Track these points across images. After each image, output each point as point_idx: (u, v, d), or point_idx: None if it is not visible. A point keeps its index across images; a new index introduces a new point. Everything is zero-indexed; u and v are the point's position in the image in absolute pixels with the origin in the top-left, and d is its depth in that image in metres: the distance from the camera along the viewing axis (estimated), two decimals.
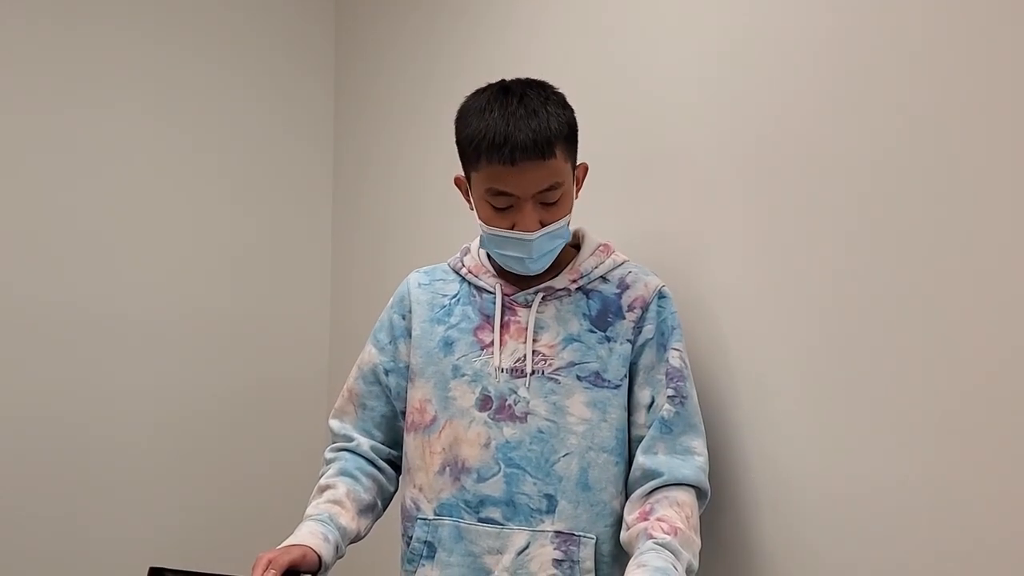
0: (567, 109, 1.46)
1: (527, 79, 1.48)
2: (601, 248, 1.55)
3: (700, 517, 1.43)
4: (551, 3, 1.99)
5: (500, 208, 1.43)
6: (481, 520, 1.46)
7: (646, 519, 1.38)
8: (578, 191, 1.52)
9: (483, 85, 1.49)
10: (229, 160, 2.68)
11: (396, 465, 1.62)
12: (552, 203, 1.43)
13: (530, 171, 1.39)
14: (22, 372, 2.41)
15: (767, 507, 1.47)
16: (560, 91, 1.48)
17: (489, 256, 1.56)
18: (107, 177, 2.52)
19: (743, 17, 1.52)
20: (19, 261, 2.42)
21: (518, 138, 1.37)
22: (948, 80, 1.21)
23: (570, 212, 1.47)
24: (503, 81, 1.47)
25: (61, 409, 2.45)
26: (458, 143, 1.46)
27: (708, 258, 1.58)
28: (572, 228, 1.56)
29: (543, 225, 1.43)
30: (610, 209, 1.76)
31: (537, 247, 1.44)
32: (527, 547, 1.43)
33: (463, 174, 1.49)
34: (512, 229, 1.43)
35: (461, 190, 1.52)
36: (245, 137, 2.71)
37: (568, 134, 1.43)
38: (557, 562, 1.42)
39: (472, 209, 1.49)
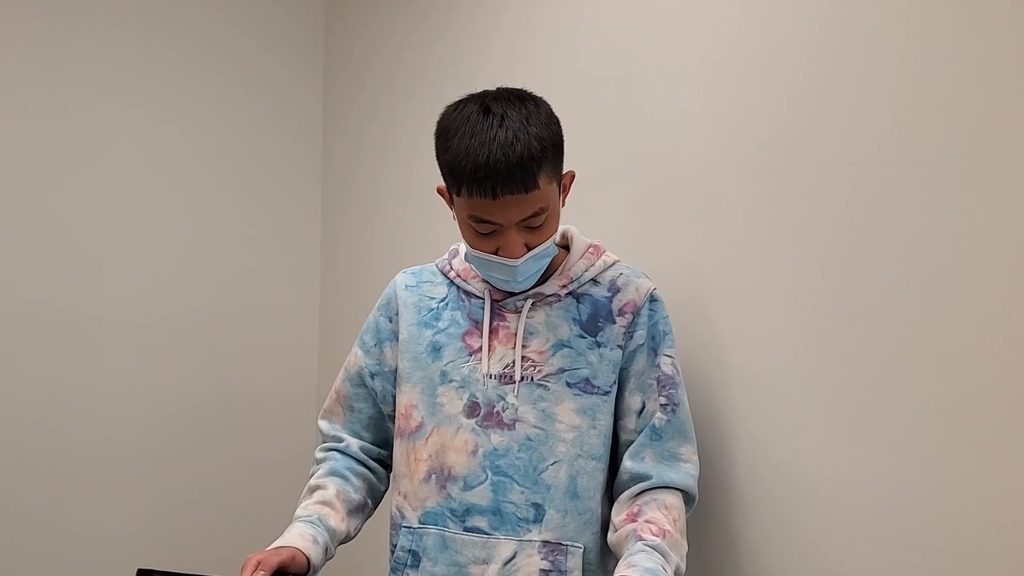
0: (551, 125, 1.38)
1: (508, 92, 1.39)
2: (591, 250, 1.52)
3: (688, 520, 1.43)
4: (539, 7, 1.96)
5: (484, 233, 1.38)
6: (467, 529, 1.43)
7: (634, 520, 1.37)
8: (564, 198, 1.47)
9: (467, 92, 1.42)
10: (217, 161, 2.66)
11: (387, 464, 1.61)
12: (537, 227, 1.38)
13: (512, 204, 1.34)
14: (8, 374, 2.38)
15: (755, 509, 1.47)
16: (545, 103, 1.40)
17: None
18: (91, 178, 2.49)
19: (739, 20, 1.51)
20: (7, 261, 2.39)
21: (500, 171, 1.30)
22: (947, 83, 1.21)
23: (556, 230, 1.43)
24: (484, 96, 1.39)
25: (48, 412, 2.43)
26: (439, 162, 1.40)
27: (704, 261, 1.56)
28: (561, 228, 1.53)
29: (528, 248, 1.39)
30: (606, 212, 1.75)
31: (522, 271, 1.40)
32: (513, 557, 1.41)
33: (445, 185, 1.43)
34: (496, 253, 1.39)
35: (444, 198, 1.46)
36: (234, 138, 2.68)
37: (553, 155, 1.37)
38: (544, 572, 1.40)
39: (455, 218, 1.44)
